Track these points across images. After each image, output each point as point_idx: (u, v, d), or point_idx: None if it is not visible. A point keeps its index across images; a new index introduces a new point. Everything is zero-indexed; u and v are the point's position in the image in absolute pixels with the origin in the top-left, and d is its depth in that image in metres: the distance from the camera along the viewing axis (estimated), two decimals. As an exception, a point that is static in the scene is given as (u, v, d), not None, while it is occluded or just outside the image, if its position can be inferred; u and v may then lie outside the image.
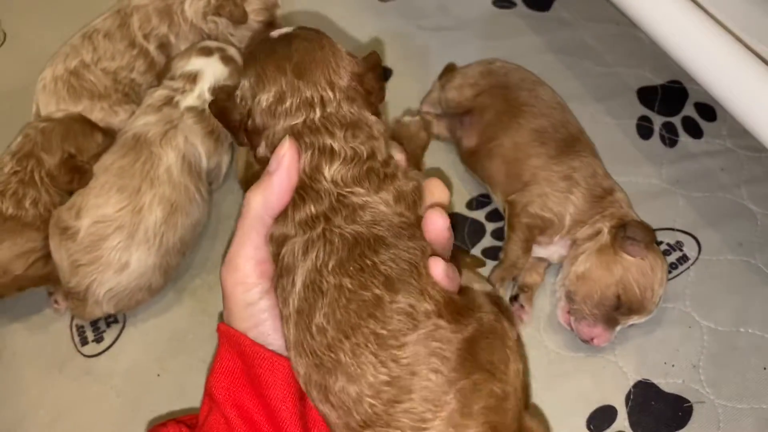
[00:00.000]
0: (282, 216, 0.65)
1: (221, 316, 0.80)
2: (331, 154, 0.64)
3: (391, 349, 0.56)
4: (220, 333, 0.70)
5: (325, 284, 0.60)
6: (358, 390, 0.56)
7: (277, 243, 0.65)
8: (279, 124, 0.67)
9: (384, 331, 0.56)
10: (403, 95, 1.26)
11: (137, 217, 1.01)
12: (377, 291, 0.58)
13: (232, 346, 0.68)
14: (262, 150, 0.69)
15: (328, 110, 0.66)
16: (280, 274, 0.65)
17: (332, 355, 0.58)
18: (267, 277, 0.66)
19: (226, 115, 0.71)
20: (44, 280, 1.07)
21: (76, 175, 1.04)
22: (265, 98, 0.67)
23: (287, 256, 0.63)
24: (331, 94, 0.67)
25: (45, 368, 1.04)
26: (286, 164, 0.64)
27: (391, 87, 1.27)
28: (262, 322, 0.67)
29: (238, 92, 0.70)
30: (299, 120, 0.66)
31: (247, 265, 0.66)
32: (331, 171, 0.64)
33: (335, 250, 0.60)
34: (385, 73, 1.30)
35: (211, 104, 0.73)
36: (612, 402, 0.94)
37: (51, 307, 1.08)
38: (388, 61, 1.32)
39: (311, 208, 0.63)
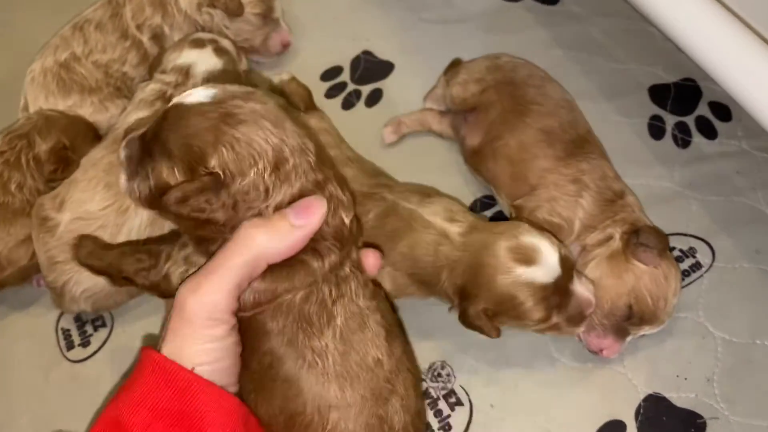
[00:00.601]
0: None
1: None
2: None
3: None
4: (149, 360, 0.63)
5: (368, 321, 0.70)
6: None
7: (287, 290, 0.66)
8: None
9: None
10: (405, 91, 1.22)
11: (122, 218, 0.96)
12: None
13: (164, 376, 0.61)
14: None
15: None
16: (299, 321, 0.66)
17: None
18: (234, 314, 0.64)
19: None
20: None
21: (62, 164, 1.00)
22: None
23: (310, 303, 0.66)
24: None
25: (29, 373, 1.00)
26: (315, 223, 0.64)
27: (393, 82, 1.24)
28: (220, 360, 0.63)
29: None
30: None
31: (225, 300, 0.62)
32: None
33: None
34: (387, 68, 1.25)
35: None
36: (621, 416, 0.90)
37: (36, 307, 1.05)
38: (390, 55, 1.27)
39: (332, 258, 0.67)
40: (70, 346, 1.02)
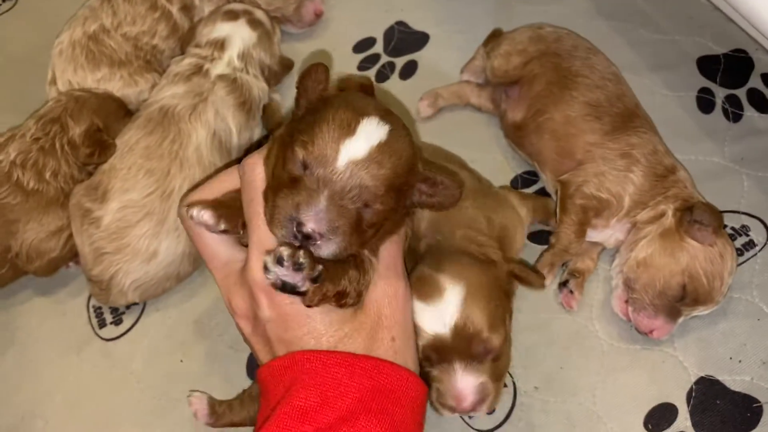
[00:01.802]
0: None
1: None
2: None
3: None
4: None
5: None
6: None
7: None
8: None
9: None
10: (442, 63, 1.18)
11: (167, 203, 0.94)
12: None
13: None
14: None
15: None
16: None
17: None
18: None
19: None
20: (75, 254, 1.01)
21: (98, 148, 0.97)
22: None
23: None
24: None
25: (62, 351, 0.99)
26: None
27: (428, 54, 1.20)
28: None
29: None
30: None
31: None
32: None
33: None
34: (422, 39, 1.21)
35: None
36: (672, 400, 0.86)
37: (67, 287, 1.03)
38: (425, 26, 1.23)
39: None
40: (102, 324, 1.00)
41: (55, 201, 0.98)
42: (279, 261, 0.60)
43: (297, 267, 0.60)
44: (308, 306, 0.64)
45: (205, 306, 0.99)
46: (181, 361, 0.96)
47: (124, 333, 0.99)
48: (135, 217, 0.93)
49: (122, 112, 1.05)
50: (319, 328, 0.66)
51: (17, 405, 0.95)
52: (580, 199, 0.92)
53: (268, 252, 0.61)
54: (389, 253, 0.70)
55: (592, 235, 0.95)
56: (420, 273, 0.78)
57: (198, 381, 0.93)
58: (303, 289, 0.62)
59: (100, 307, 1.01)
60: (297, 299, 0.64)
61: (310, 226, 0.59)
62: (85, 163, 0.99)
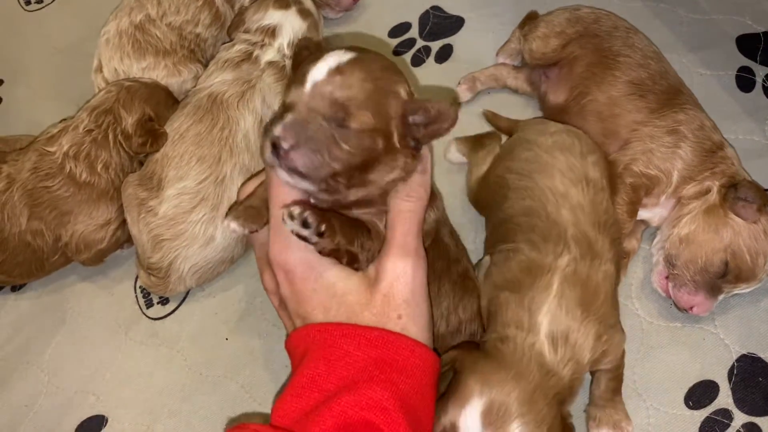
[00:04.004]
0: None
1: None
2: None
3: None
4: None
5: None
6: None
7: None
8: None
9: None
10: (477, 46, 1.18)
11: (220, 188, 0.96)
12: None
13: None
14: None
15: None
16: None
17: None
18: None
19: None
20: (121, 244, 1.05)
21: (150, 137, 0.99)
22: None
23: None
24: None
25: (111, 330, 1.02)
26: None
27: (463, 38, 1.20)
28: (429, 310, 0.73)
29: None
30: None
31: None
32: None
33: None
34: (457, 23, 1.22)
35: None
36: (713, 377, 0.87)
37: (115, 268, 1.07)
38: (460, 10, 1.23)
39: None
40: (149, 304, 1.03)
41: (105, 193, 1.00)
42: (291, 216, 0.65)
43: (304, 224, 0.65)
44: (320, 253, 0.68)
45: (248, 286, 1.02)
46: (227, 339, 0.98)
47: (170, 312, 1.02)
48: (191, 204, 0.95)
49: (171, 100, 1.07)
50: (325, 302, 0.70)
51: (70, 381, 0.99)
52: (630, 177, 0.92)
53: (285, 206, 0.66)
54: (403, 229, 0.70)
55: (641, 214, 0.95)
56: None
57: (242, 358, 0.96)
58: (313, 240, 0.66)
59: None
60: (310, 276, 0.69)
61: (279, 139, 0.63)
62: (138, 152, 1.02)
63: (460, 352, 0.72)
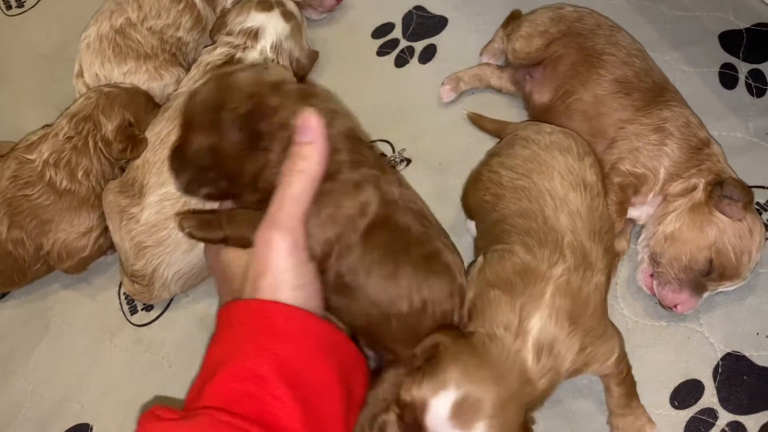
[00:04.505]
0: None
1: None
2: None
3: None
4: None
5: None
6: None
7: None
8: None
9: None
10: (461, 46, 1.18)
11: None
12: None
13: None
14: None
15: None
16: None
17: None
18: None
19: None
20: (104, 251, 1.04)
21: (131, 143, 0.98)
22: None
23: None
24: None
25: (95, 338, 1.02)
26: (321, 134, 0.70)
27: (447, 38, 1.20)
28: (310, 283, 0.70)
29: None
30: None
31: (300, 227, 0.70)
32: None
33: None
34: (441, 23, 1.21)
35: None
36: (698, 376, 0.87)
37: (98, 274, 1.05)
38: (444, 10, 1.23)
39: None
40: (134, 310, 1.03)
41: (86, 201, 1.00)
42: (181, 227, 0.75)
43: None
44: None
45: (233, 291, 1.01)
46: (211, 344, 0.98)
47: (155, 319, 1.02)
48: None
49: (151, 105, 1.06)
50: (228, 284, 0.76)
51: (54, 389, 0.98)
52: (617, 177, 0.92)
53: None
54: (276, 202, 0.70)
55: (629, 212, 0.95)
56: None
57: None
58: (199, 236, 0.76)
59: (131, 294, 1.04)
60: (216, 264, 0.79)
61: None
62: (118, 158, 1.01)
63: (446, 338, 0.72)
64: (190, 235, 0.76)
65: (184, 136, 0.74)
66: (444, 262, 0.77)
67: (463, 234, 0.98)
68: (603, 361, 0.77)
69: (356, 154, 0.74)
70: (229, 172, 0.73)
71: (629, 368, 0.81)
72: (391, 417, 0.70)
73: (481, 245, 0.87)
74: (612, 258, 0.84)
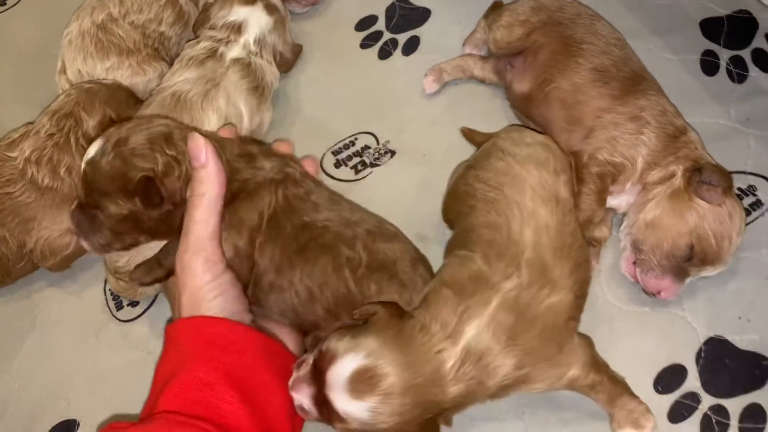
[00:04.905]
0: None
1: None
2: None
3: None
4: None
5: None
6: None
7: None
8: None
9: None
10: (444, 37, 1.18)
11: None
12: None
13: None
14: None
15: None
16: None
17: None
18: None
19: None
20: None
21: None
22: None
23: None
24: None
25: (81, 334, 1.02)
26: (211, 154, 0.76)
27: (430, 29, 1.20)
28: (227, 290, 0.76)
29: None
30: None
31: (212, 244, 0.76)
32: None
33: None
34: (424, 15, 1.21)
35: None
36: (681, 361, 0.87)
37: (84, 271, 1.05)
38: (426, 2, 1.23)
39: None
40: (119, 306, 1.03)
41: (69, 198, 0.99)
42: None
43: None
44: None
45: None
46: (197, 339, 0.98)
47: (140, 315, 1.01)
48: None
49: (132, 100, 1.06)
50: (173, 309, 0.82)
51: (40, 387, 0.98)
52: (596, 166, 0.92)
53: None
54: (188, 219, 0.77)
55: (609, 201, 0.95)
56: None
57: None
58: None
59: (116, 290, 1.03)
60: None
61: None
62: None
63: (384, 311, 0.73)
64: (141, 283, 0.87)
65: (91, 201, 0.78)
66: (312, 247, 0.80)
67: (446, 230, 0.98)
68: (552, 383, 0.76)
69: (254, 169, 0.81)
70: (150, 230, 0.80)
71: (606, 376, 0.79)
72: (310, 359, 0.72)
73: (449, 249, 0.86)
74: (587, 271, 0.82)
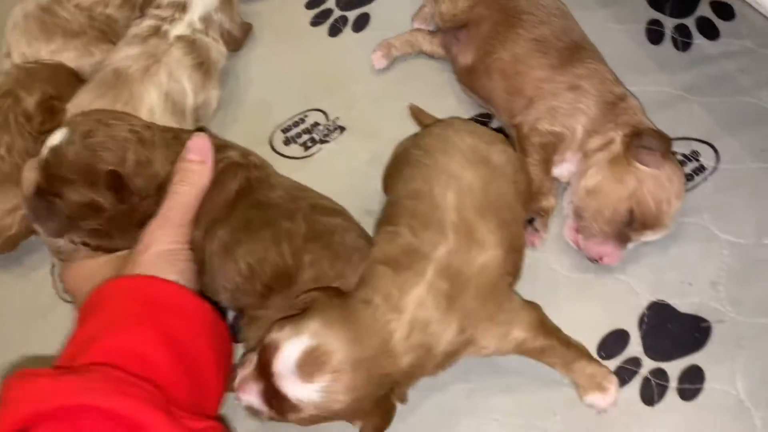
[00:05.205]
0: None
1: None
2: None
3: None
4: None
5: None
6: None
7: None
8: None
9: None
10: (394, 13, 1.17)
11: None
12: None
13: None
14: None
15: None
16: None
17: None
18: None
19: None
20: (33, 229, 1.01)
21: (49, 115, 0.97)
22: None
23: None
24: None
25: (28, 316, 1.00)
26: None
27: (380, 5, 1.20)
28: (186, 262, 0.79)
29: None
30: None
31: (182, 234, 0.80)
32: None
33: None
34: (373, -9, 1.21)
35: None
36: (624, 326, 0.87)
37: (29, 254, 1.04)
38: (377, -23, 1.22)
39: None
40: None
41: (10, 177, 0.97)
42: None
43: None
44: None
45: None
46: (144, 318, 0.97)
47: (88, 295, 1.01)
48: None
49: (74, 80, 1.05)
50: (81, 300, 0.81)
51: (-14, 369, 0.97)
52: (537, 136, 0.93)
53: None
54: (167, 206, 0.81)
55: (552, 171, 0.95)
56: None
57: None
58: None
59: (63, 272, 1.02)
60: None
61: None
62: (40, 132, 0.99)
63: (322, 295, 0.72)
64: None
65: (51, 188, 0.79)
66: (251, 229, 0.81)
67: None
68: (498, 343, 0.76)
69: (222, 155, 0.85)
70: (109, 219, 0.81)
71: (558, 341, 0.79)
72: (253, 357, 0.71)
73: (378, 224, 0.85)
74: (519, 227, 0.82)
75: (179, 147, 0.83)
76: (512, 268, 0.79)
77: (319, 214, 0.83)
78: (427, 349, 0.72)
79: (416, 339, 0.70)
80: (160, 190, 0.82)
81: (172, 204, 0.80)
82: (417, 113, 1.04)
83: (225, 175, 0.83)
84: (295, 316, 0.71)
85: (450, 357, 0.74)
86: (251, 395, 0.70)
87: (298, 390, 0.67)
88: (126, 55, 1.01)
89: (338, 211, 0.87)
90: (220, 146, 0.86)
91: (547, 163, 0.93)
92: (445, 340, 0.72)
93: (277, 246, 0.80)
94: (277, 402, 0.68)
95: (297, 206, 0.83)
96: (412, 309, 0.71)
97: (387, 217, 0.82)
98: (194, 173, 0.81)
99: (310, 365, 0.66)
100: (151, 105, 0.97)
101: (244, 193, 0.83)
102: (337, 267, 0.80)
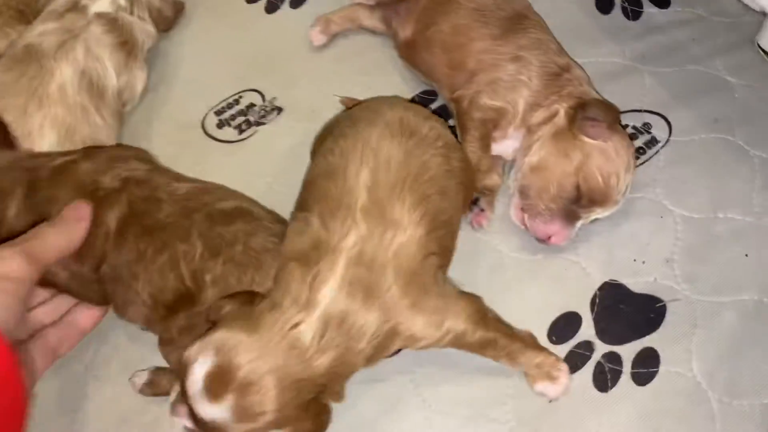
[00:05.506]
0: None
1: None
2: None
3: None
4: None
5: None
6: None
7: None
8: None
9: None
10: (333, -13, 1.11)
11: (27, 142, 0.87)
12: None
13: None
14: None
15: None
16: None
17: None
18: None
19: None
20: None
21: None
22: None
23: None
24: None
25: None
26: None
27: (321, -20, 1.13)
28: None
29: None
30: None
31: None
32: None
33: None
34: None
35: None
36: (575, 308, 0.83)
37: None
38: (315, -49, 1.16)
39: None
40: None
41: None
42: None
43: None
44: None
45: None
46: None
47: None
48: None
49: None
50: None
51: None
52: (476, 111, 0.87)
53: None
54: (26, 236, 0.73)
55: (494, 149, 0.90)
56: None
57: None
58: None
59: None
60: None
61: None
62: None
63: (231, 304, 0.67)
64: None
65: None
66: (160, 244, 0.76)
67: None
68: (433, 335, 0.70)
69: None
70: None
71: (500, 334, 0.74)
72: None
73: (295, 208, 0.78)
74: (450, 201, 0.75)
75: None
76: (438, 248, 0.72)
77: (219, 224, 0.77)
78: (348, 346, 0.66)
79: (332, 337, 0.65)
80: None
81: (44, 240, 0.73)
82: (349, 103, 0.98)
83: (100, 208, 0.77)
84: (206, 332, 0.65)
85: (380, 349, 0.68)
86: (183, 417, 0.65)
87: (209, 411, 0.61)
88: (40, 30, 0.95)
89: (241, 213, 0.80)
90: (91, 176, 0.80)
91: (485, 140, 0.87)
92: (369, 333, 0.66)
93: (175, 270, 0.75)
94: (201, 423, 0.63)
95: (191, 221, 0.76)
96: (323, 306, 0.65)
97: (301, 201, 0.75)
98: (72, 232, 0.75)
99: (217, 383, 0.61)
100: (62, 81, 0.90)
101: (129, 222, 0.76)
102: (245, 278, 0.74)
